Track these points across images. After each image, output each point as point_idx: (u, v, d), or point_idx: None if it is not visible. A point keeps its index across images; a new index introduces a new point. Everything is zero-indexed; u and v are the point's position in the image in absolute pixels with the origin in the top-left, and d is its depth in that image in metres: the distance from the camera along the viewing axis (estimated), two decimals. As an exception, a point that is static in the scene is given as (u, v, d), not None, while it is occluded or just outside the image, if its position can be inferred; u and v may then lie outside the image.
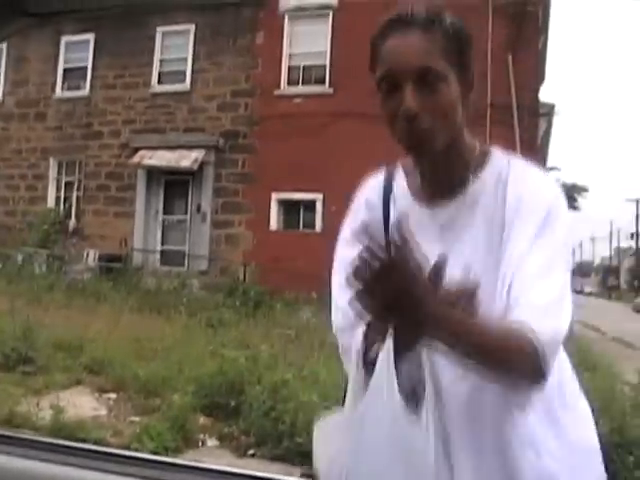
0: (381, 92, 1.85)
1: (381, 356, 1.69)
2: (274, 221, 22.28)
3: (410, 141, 1.84)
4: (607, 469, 2.03)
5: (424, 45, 1.80)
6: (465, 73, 1.86)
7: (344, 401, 1.87)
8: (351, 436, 1.73)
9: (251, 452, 7.23)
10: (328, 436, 1.83)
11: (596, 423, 2.02)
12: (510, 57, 19.30)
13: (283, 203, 22.27)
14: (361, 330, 1.80)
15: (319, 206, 21.52)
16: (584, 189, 52.70)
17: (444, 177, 1.93)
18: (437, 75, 1.80)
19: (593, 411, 2.01)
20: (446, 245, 1.82)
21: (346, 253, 1.84)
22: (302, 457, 6.78)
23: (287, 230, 22.31)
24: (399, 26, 1.83)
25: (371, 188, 2.07)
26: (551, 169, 33.52)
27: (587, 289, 78.07)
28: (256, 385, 7.91)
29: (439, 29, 1.82)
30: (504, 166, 1.92)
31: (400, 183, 2.02)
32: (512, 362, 1.66)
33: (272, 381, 7.90)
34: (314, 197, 21.50)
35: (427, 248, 1.65)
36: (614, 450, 6.07)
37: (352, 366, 1.83)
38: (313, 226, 21.82)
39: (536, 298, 1.70)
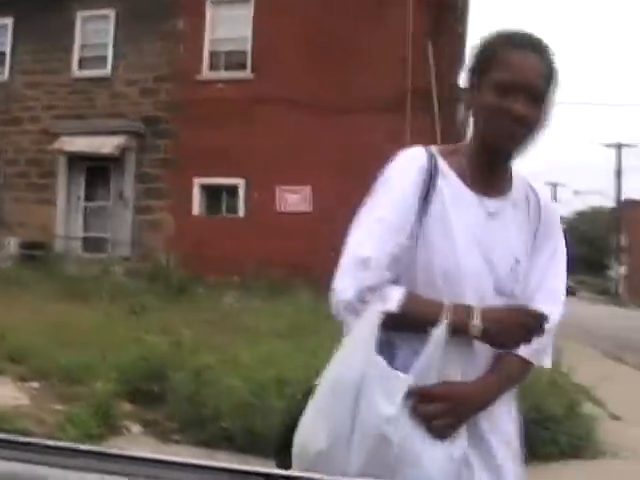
0: (488, 90, 2.24)
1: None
2: (196, 206, 22.28)
3: (506, 137, 2.23)
4: (525, 444, 2.32)
5: (540, 68, 2.24)
6: (549, 100, 2.28)
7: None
8: (399, 394, 2.03)
9: (175, 438, 7.22)
10: (375, 383, 2.03)
11: (517, 400, 2.42)
12: (430, 43, 19.48)
13: (205, 188, 22.26)
14: (390, 294, 2.14)
15: (241, 191, 21.63)
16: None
17: (496, 174, 2.35)
18: (541, 94, 2.24)
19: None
20: (493, 231, 2.29)
21: (405, 195, 2.24)
22: (227, 441, 6.85)
23: (210, 215, 22.33)
24: (523, 45, 2.25)
25: (419, 157, 2.32)
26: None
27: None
28: (179, 370, 7.90)
29: (548, 60, 2.27)
30: (527, 185, 2.43)
31: (441, 163, 2.32)
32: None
33: (195, 366, 7.90)
34: (236, 182, 21.57)
35: (475, 227, 2.25)
36: (532, 426, 6.28)
37: (367, 318, 2.08)
38: (235, 211, 21.91)
39: (550, 299, 2.36)
